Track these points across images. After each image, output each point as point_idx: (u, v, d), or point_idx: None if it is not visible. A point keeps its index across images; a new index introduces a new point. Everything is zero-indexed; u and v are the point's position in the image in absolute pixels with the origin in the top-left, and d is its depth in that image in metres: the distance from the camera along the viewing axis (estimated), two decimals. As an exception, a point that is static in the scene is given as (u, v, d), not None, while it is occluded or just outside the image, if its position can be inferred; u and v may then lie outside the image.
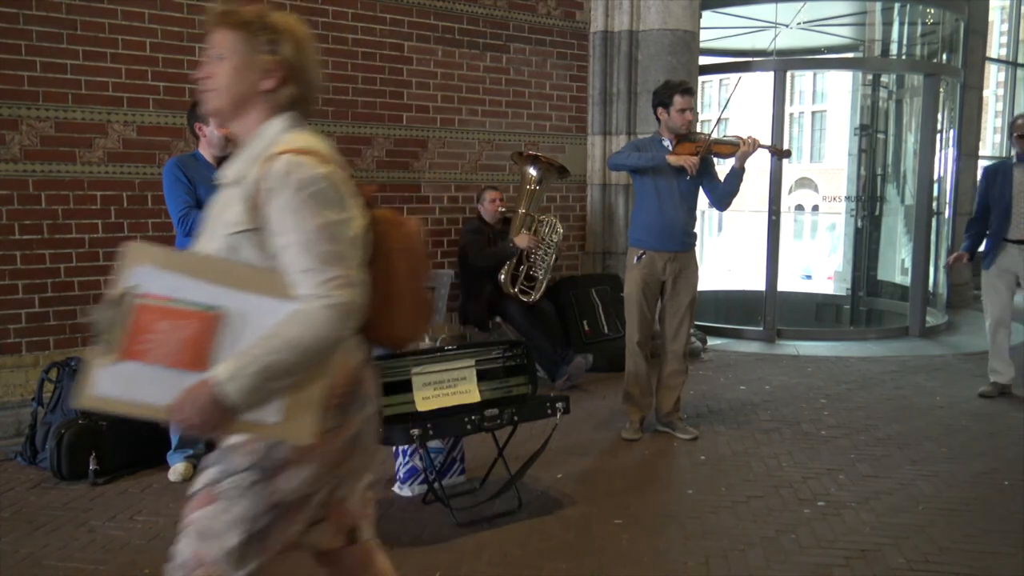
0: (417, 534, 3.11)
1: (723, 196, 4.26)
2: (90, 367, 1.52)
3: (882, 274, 8.35)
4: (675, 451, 4.12)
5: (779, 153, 4.74)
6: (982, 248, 5.17)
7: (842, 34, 8.48)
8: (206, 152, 3.69)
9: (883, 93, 8.45)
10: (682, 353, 4.33)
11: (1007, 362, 5.15)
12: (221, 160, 3.70)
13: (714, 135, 4.23)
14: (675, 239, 4.21)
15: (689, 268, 4.28)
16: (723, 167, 4.38)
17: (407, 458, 3.48)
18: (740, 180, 4.20)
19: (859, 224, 8.30)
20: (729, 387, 5.39)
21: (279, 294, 1.52)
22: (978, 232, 5.19)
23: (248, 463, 1.58)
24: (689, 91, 4.21)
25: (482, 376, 3.45)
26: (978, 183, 5.95)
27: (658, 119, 4.25)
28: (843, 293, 8.80)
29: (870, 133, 8.40)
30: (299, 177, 1.51)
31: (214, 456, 1.65)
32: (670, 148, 4.18)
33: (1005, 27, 11.65)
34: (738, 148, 4.10)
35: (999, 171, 5.08)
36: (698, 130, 4.45)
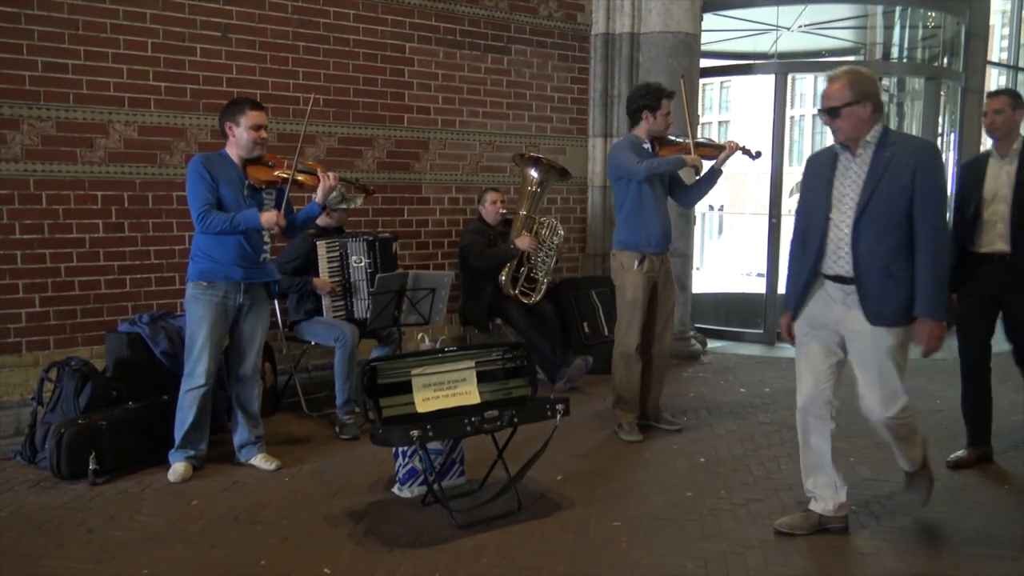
0: (416, 535, 3.11)
1: (698, 197, 4.48)
2: None
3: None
4: (674, 453, 4.11)
5: (752, 154, 4.75)
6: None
7: (843, 37, 8.48)
8: (232, 152, 3.70)
9: (884, 96, 8.44)
10: (668, 351, 4.52)
11: (837, 480, 3.14)
12: (247, 162, 3.71)
13: (690, 139, 4.30)
14: (667, 240, 4.33)
15: (670, 268, 4.44)
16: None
17: (407, 459, 3.48)
18: (717, 181, 4.38)
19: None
20: (729, 389, 5.39)
21: None
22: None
23: None
24: (672, 95, 4.31)
25: (482, 378, 3.46)
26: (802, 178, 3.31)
27: (638, 122, 4.29)
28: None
29: (871, 136, 8.39)
30: None
31: None
32: (651, 151, 4.27)
33: (1006, 31, 11.65)
34: (719, 151, 4.27)
35: (818, 167, 3.10)
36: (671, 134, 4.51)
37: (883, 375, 2.97)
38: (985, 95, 4.01)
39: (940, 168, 2.95)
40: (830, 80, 2.96)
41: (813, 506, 3.17)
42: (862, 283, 2.92)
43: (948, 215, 3.15)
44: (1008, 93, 3.86)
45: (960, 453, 3.98)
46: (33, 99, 4.19)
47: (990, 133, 3.87)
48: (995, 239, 3.79)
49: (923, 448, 3.21)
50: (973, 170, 3.93)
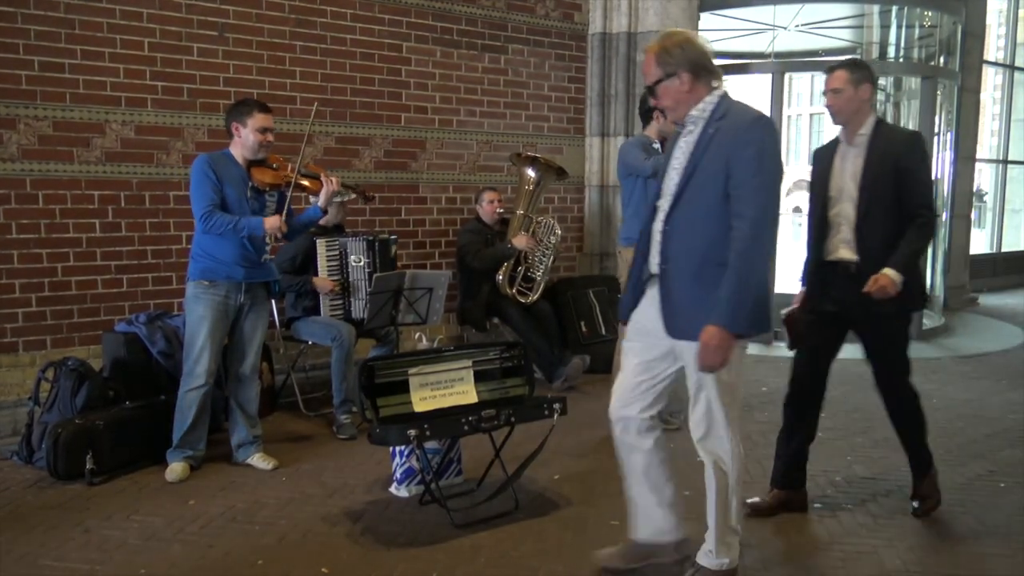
0: (414, 535, 3.11)
1: None
2: None
3: (879, 276, 8.35)
4: (672, 453, 4.10)
5: None
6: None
7: (840, 36, 8.49)
8: (237, 152, 3.70)
9: (880, 96, 8.46)
10: None
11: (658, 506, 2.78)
12: (251, 163, 3.72)
13: None
14: None
15: None
16: None
17: (404, 459, 3.48)
18: None
19: (856, 226, 8.32)
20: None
21: None
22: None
23: None
24: None
25: (479, 377, 3.46)
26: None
27: (649, 121, 4.32)
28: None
29: (868, 135, 8.41)
30: None
31: None
32: (661, 151, 4.29)
33: (1002, 30, 11.67)
34: None
35: (669, 149, 2.71)
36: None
37: (704, 401, 2.57)
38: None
39: (762, 150, 2.37)
40: (645, 55, 2.55)
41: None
42: (667, 286, 2.49)
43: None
44: (847, 66, 3.13)
45: (756, 499, 3.33)
46: (30, 98, 4.18)
47: (832, 117, 3.20)
48: (839, 245, 3.14)
49: (733, 542, 2.69)
50: (822, 160, 3.27)
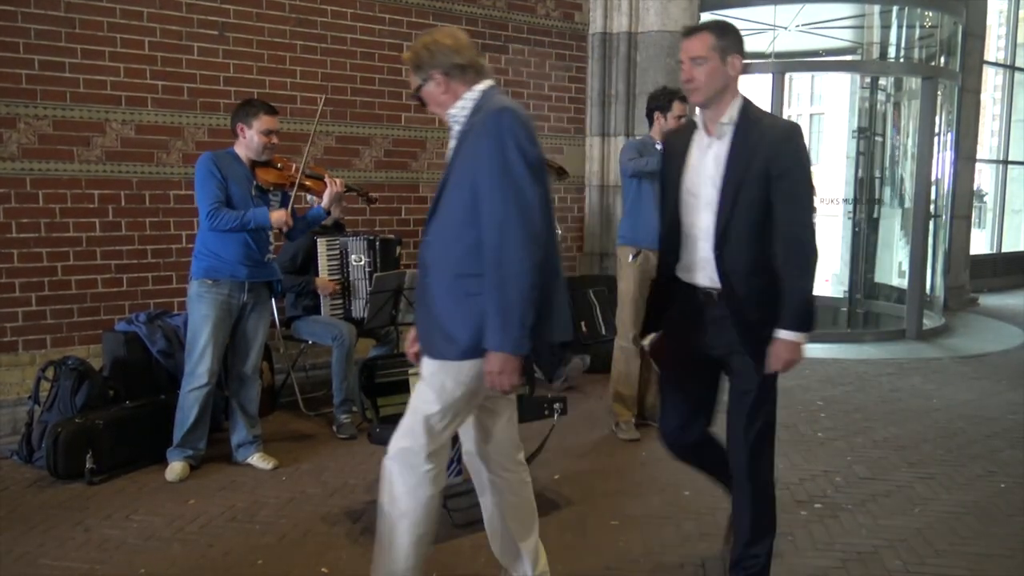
0: (414, 534, 3.10)
1: None
2: None
3: (879, 276, 8.37)
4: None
5: None
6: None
7: (840, 37, 8.49)
8: (241, 152, 3.71)
9: (881, 96, 8.46)
10: None
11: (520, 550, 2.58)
12: (255, 163, 3.73)
13: None
14: None
15: None
16: None
17: (404, 458, 3.47)
18: None
19: (856, 226, 8.32)
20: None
21: None
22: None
23: None
24: (685, 98, 4.31)
25: (479, 377, 3.45)
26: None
27: (652, 122, 4.33)
28: (840, 295, 8.82)
29: (868, 136, 8.42)
30: None
31: None
32: (663, 151, 4.29)
33: (1003, 30, 11.68)
34: None
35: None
36: None
37: (413, 403, 2.30)
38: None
39: (504, 144, 2.08)
40: None
41: None
42: (425, 301, 2.24)
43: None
44: (713, 30, 2.44)
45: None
46: (30, 97, 4.18)
47: (688, 95, 2.47)
48: (694, 265, 2.47)
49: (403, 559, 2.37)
50: (675, 151, 2.57)
